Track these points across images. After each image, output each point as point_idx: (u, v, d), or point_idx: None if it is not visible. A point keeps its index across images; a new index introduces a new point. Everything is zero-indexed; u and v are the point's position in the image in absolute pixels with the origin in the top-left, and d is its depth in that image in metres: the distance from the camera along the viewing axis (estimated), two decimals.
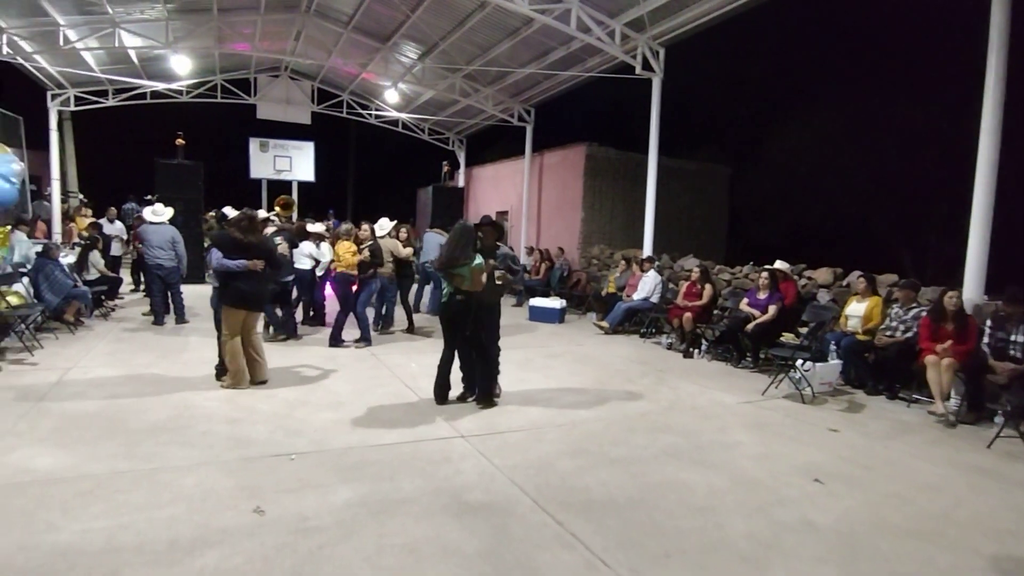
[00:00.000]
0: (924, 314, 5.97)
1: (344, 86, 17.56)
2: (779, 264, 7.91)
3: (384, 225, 8.04)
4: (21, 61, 12.47)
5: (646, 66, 9.99)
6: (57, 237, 14.17)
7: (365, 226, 7.43)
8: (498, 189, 17.84)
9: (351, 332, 7.49)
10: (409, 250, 8.22)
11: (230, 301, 5.37)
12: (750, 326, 7.18)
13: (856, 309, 6.68)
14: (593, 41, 9.69)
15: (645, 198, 10.53)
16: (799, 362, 6.06)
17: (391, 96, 15.62)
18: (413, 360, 6.89)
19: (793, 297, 7.64)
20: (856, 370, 6.45)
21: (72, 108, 15.87)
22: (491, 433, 4.59)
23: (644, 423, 4.98)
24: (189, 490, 3.38)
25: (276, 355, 6.76)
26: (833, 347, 6.37)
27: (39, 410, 4.65)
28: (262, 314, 5.82)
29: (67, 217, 16.23)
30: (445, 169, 18.07)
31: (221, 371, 5.60)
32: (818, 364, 6.08)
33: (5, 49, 10.95)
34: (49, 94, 15.14)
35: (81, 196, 18.67)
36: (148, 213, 8.50)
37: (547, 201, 15.19)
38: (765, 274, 7.53)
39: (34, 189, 15.97)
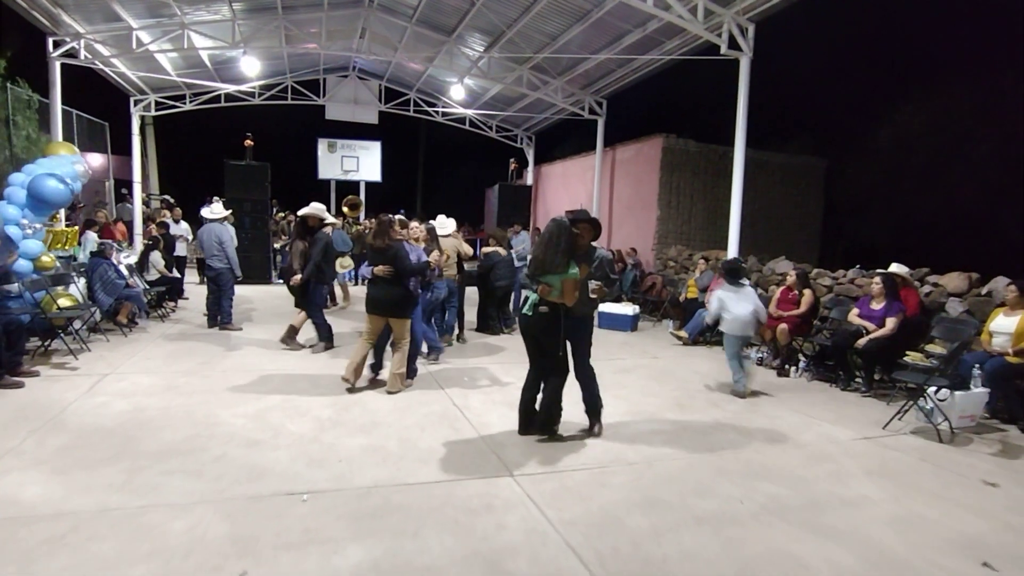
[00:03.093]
0: None
1: (411, 84, 17.27)
2: (896, 268, 6.66)
3: (445, 223, 7.34)
4: (101, 66, 12.83)
5: (732, 45, 8.88)
6: (138, 239, 14.57)
7: (415, 224, 6.51)
8: (567, 187, 17.00)
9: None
10: (470, 249, 7.54)
11: (366, 306, 5.45)
12: (862, 341, 6.01)
13: (1004, 324, 5.39)
14: (673, 19, 8.68)
15: (728, 194, 9.40)
16: (931, 389, 4.92)
17: (456, 92, 15.09)
18: (466, 374, 6.20)
19: (915, 308, 6.40)
20: (1007, 401, 5.19)
21: (153, 113, 16.41)
22: (546, 471, 3.80)
23: (737, 464, 4.04)
24: (175, 539, 2.80)
25: (320, 363, 6.30)
26: (976, 371, 5.14)
27: (55, 424, 4.28)
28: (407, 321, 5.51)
29: (150, 219, 16.81)
30: (512, 167, 17.48)
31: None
32: (957, 392, 4.91)
33: (83, 54, 11.17)
34: (132, 99, 15.68)
35: (166, 198, 19.40)
36: (206, 211, 8.27)
37: (619, 199, 14.20)
38: (879, 279, 6.33)
39: (125, 192, 16.68)
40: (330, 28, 13.45)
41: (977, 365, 5.19)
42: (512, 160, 17.52)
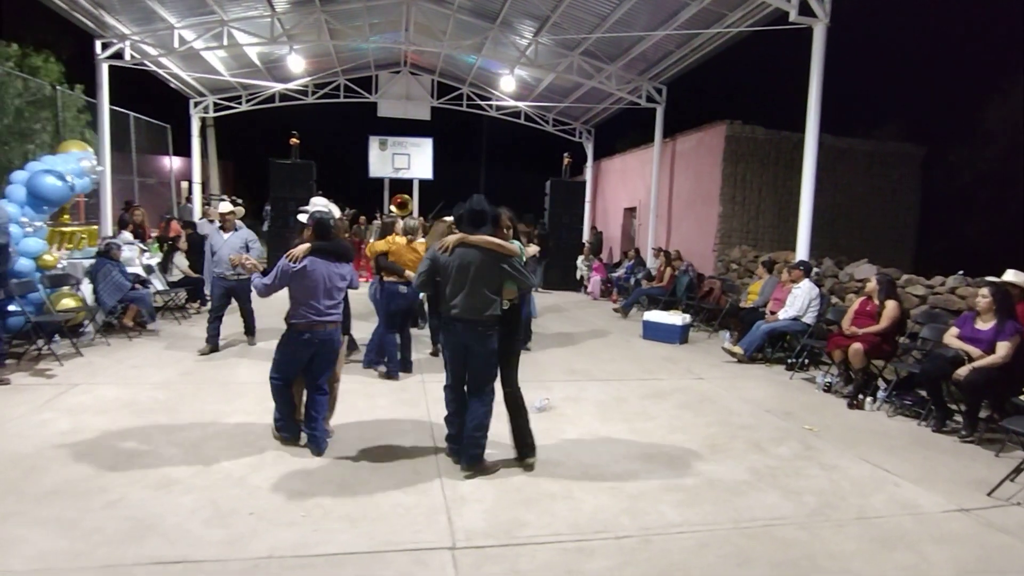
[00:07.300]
0: None
1: (463, 78, 16.66)
2: (1013, 275, 5.20)
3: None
4: (153, 68, 12.99)
5: (804, 10, 7.55)
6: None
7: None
8: (626, 183, 15.87)
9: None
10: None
11: None
12: (963, 370, 4.66)
13: None
14: None
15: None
16: None
17: (507, 84, 14.29)
18: None
19: None
20: None
21: (212, 114, 16.70)
22: (501, 545, 2.90)
23: (769, 546, 2.97)
24: None
25: None
26: None
27: None
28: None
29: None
30: (566, 162, 16.53)
31: None
32: None
33: (129, 53, 11.25)
34: (191, 102, 16.01)
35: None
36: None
37: (679, 194, 12.92)
38: (987, 291, 4.94)
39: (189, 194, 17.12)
40: (372, 20, 13.04)
41: None
42: (566, 155, 16.56)
